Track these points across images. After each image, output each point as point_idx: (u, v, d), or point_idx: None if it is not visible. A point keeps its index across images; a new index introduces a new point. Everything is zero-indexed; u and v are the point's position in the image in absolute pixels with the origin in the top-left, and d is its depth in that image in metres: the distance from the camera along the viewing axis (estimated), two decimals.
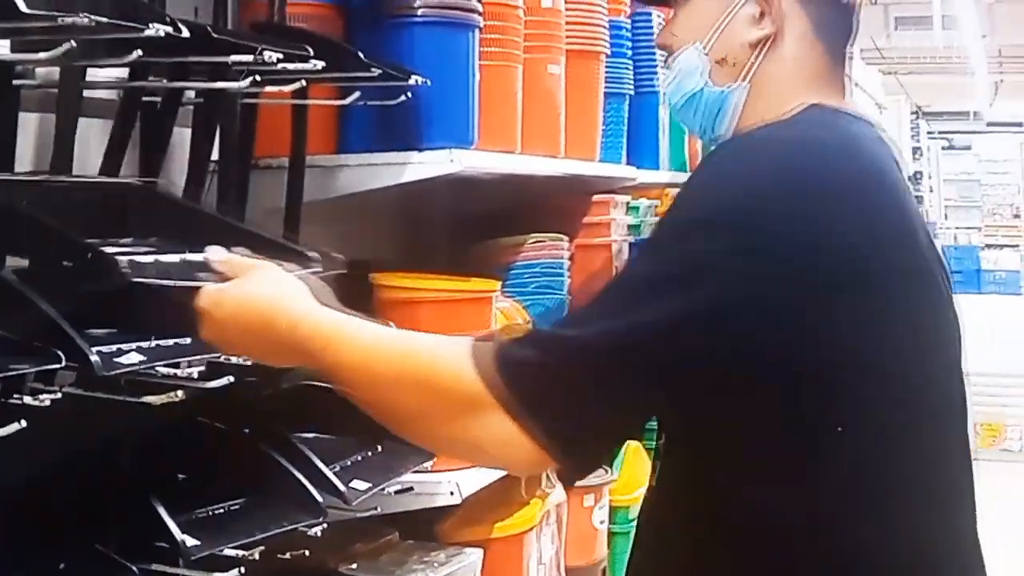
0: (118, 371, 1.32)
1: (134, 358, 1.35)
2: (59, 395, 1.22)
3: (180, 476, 1.51)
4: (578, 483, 2.54)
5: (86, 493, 1.39)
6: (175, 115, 1.73)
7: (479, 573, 2.00)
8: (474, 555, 1.96)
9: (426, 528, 2.06)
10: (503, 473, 2.14)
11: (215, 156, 1.81)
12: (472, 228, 2.62)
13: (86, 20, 1.34)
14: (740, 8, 1.31)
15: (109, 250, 1.35)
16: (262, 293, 1.26)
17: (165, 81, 1.71)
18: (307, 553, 1.64)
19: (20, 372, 1.18)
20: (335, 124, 2.13)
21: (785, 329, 1.11)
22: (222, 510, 1.49)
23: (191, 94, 1.79)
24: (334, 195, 2.08)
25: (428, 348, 1.22)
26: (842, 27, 1.34)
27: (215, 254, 1.32)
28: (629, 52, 2.94)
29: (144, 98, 1.74)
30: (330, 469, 1.64)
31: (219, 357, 1.48)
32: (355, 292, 2.20)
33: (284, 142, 1.99)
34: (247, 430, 1.64)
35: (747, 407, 1.15)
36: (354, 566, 1.87)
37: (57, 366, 1.21)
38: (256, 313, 1.25)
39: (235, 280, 1.29)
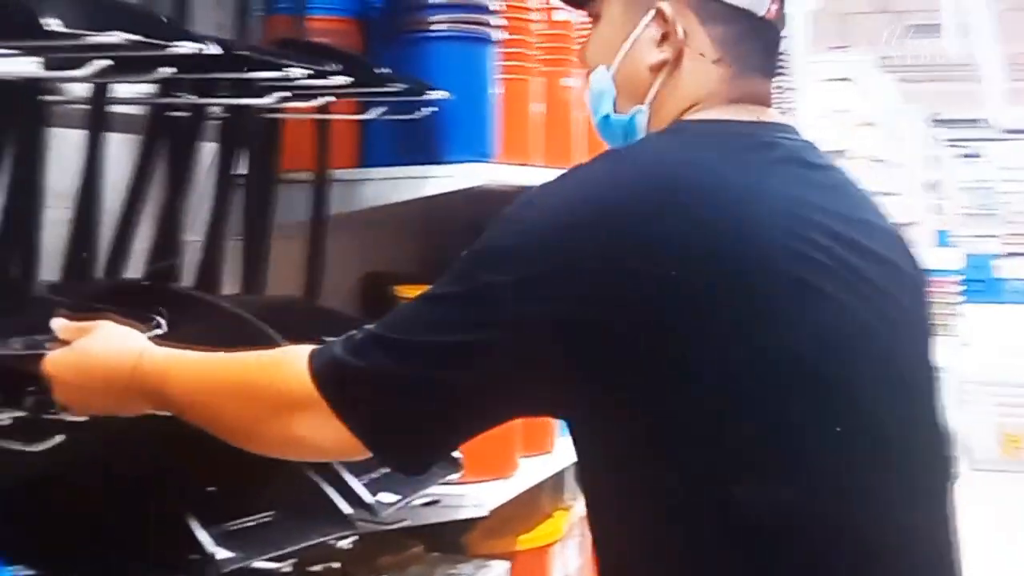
0: None
1: None
2: None
3: (210, 489, 1.51)
4: None
5: (120, 506, 1.40)
6: (202, 131, 1.75)
7: None
8: (500, 568, 1.97)
9: (451, 541, 2.06)
10: (528, 487, 2.15)
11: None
12: None
13: (117, 39, 1.36)
14: (642, 32, 1.30)
15: None
16: (101, 346, 1.30)
17: (193, 97, 1.73)
18: (337, 566, 1.65)
19: None
20: (357, 138, 2.14)
21: (587, 349, 1.13)
22: (253, 523, 1.50)
23: (216, 109, 1.80)
24: (357, 208, 2.09)
25: (258, 355, 1.28)
26: (758, 40, 1.31)
27: (57, 323, 1.34)
28: None
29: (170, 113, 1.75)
30: (358, 482, 1.65)
31: None
32: (378, 304, 2.22)
33: (307, 156, 2.01)
34: None
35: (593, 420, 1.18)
36: None
37: None
38: (99, 366, 1.29)
39: (76, 341, 1.32)
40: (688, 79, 1.30)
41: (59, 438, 1.21)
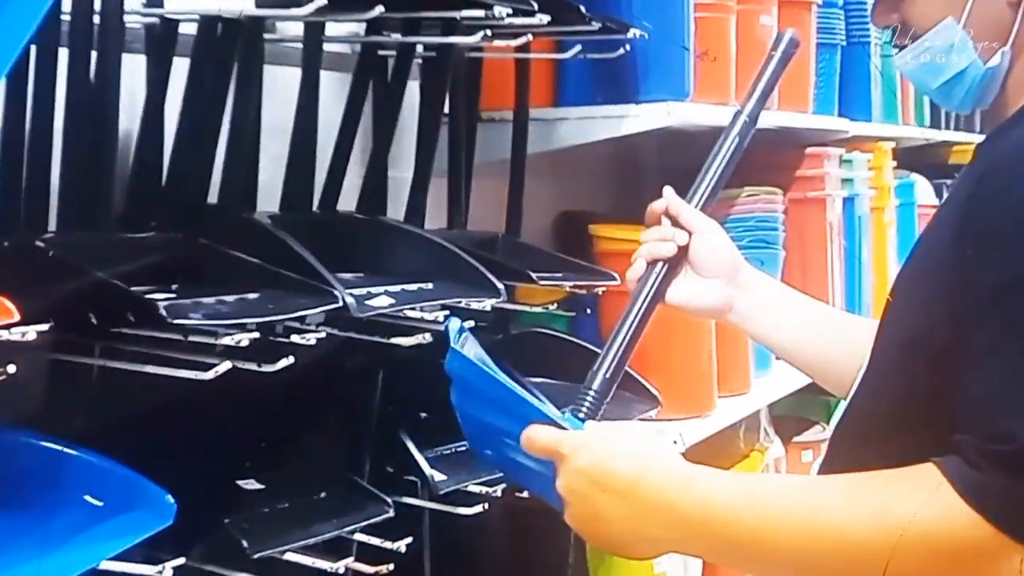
0: (370, 313, 1.38)
1: (384, 301, 1.40)
2: (323, 335, 1.27)
3: (423, 414, 1.56)
4: (796, 439, 2.53)
5: (342, 428, 1.45)
6: (408, 71, 1.78)
7: None
8: None
9: None
10: (725, 424, 2.15)
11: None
12: (685, 180, 2.61)
13: None
14: None
15: None
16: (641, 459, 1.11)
17: (398, 36, 1.77)
18: None
19: (305, 312, 1.23)
20: (552, 78, 2.16)
21: None
22: (464, 448, 1.54)
23: (421, 49, 1.84)
24: (553, 148, 2.11)
25: (899, 505, 1.03)
26: None
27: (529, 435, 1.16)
28: (840, 1, 2.88)
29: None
30: (556, 409, 1.67)
31: (459, 302, 1.53)
32: (575, 242, 2.24)
33: (504, 95, 2.03)
34: None
35: None
36: None
37: (335, 306, 1.25)
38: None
39: (598, 435, 1.15)
40: None
41: (291, 359, 1.25)
